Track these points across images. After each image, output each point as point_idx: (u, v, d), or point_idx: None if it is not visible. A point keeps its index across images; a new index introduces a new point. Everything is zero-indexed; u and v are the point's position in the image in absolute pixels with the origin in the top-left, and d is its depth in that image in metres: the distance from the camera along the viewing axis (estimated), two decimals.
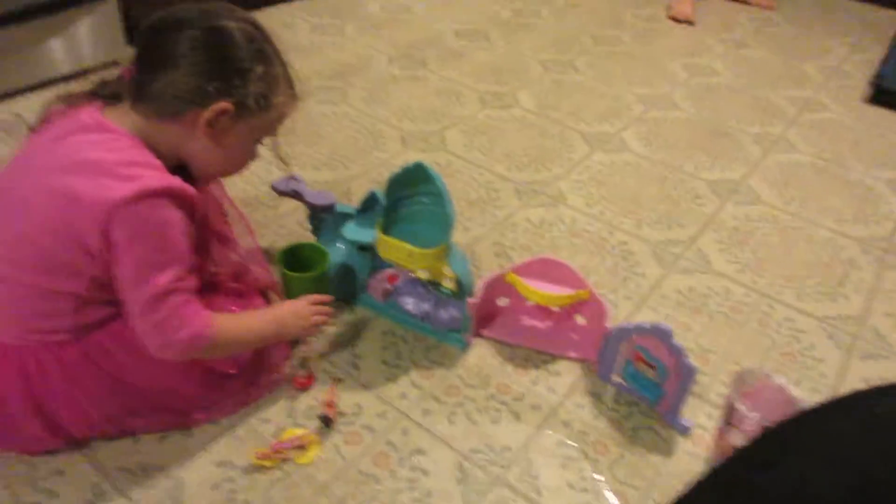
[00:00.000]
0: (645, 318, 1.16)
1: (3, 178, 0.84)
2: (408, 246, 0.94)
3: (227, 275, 0.98)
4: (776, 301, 1.23)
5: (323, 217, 1.14)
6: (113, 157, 0.77)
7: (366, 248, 1.10)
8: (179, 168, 0.85)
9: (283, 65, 0.87)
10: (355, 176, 1.45)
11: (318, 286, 1.01)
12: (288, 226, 1.29)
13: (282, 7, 2.18)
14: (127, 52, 0.79)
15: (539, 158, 1.57)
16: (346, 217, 1.09)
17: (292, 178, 1.14)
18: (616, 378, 1.03)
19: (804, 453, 0.37)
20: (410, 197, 1.00)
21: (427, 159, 1.48)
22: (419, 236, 0.97)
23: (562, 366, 1.07)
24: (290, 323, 0.93)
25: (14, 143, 1.43)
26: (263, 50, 0.83)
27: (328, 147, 1.53)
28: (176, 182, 0.79)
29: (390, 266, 1.12)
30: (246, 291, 1.00)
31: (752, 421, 0.85)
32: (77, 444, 0.88)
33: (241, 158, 0.91)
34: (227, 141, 0.84)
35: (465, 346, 1.07)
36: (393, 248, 0.96)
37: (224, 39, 0.80)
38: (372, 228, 1.04)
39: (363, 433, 0.94)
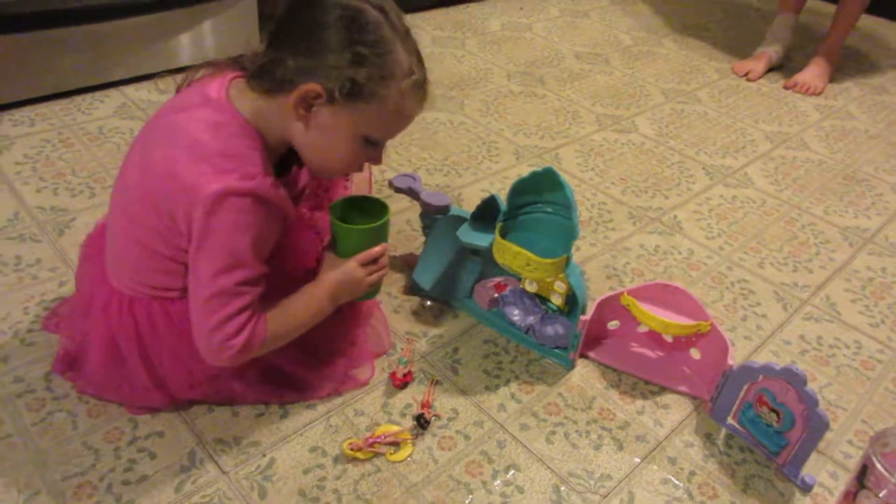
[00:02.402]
0: (765, 361, 1.08)
1: (137, 140, 0.86)
2: (528, 253, 0.91)
3: None
4: None
5: (435, 218, 1.13)
6: (217, 143, 0.76)
7: (477, 253, 1.08)
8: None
9: (408, 54, 0.78)
10: (467, 183, 1.44)
11: (374, 240, 0.88)
12: (397, 224, 1.29)
13: (406, 17, 2.22)
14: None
15: (656, 185, 1.51)
16: (459, 220, 1.08)
17: (410, 176, 1.14)
18: (731, 420, 0.95)
19: None
20: (533, 204, 0.98)
21: None
22: (537, 245, 0.94)
23: (671, 399, 1.00)
24: (344, 293, 0.88)
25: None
26: (380, 35, 0.76)
27: (442, 153, 1.52)
28: (262, 185, 0.75)
29: (498, 273, 1.09)
30: None
31: (894, 484, 0.76)
32: (179, 406, 0.90)
33: (346, 155, 0.82)
34: (321, 129, 0.78)
35: (570, 365, 1.02)
36: (511, 254, 0.94)
37: (322, 16, 0.75)
38: (486, 233, 1.02)
39: (458, 439, 0.91)
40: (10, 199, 1.23)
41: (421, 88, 0.80)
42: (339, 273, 0.87)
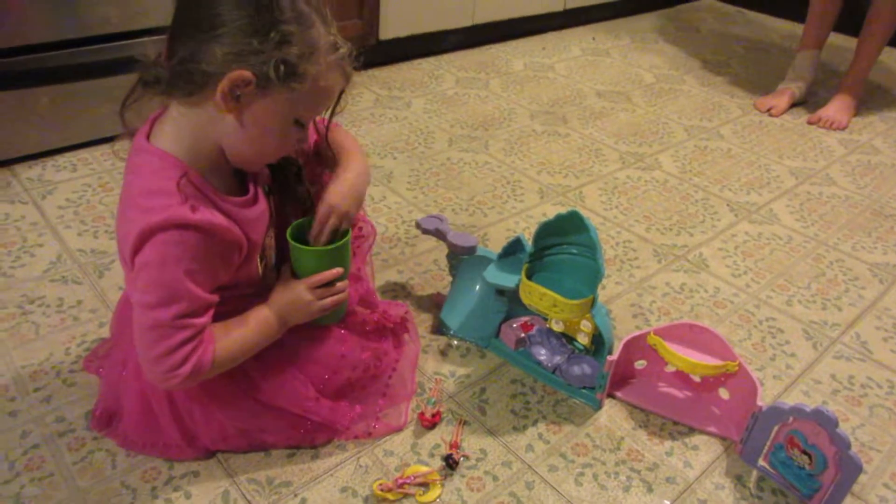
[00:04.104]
0: (795, 401, 1.07)
1: None
2: (554, 294, 0.93)
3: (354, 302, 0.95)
4: None
5: (462, 258, 1.15)
6: (138, 184, 0.75)
7: (503, 293, 1.09)
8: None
9: (326, 27, 0.74)
10: (492, 223, 1.46)
11: (330, 263, 0.86)
12: (424, 264, 1.31)
13: (431, 59, 2.28)
14: None
15: (681, 223, 1.52)
16: (485, 260, 1.10)
17: (437, 217, 1.16)
18: (762, 462, 0.95)
19: None
20: (558, 245, 0.99)
21: None
22: (562, 286, 0.96)
23: (700, 440, 1.00)
24: (293, 316, 0.86)
25: None
26: (299, 10, 0.72)
27: (467, 193, 1.55)
28: (178, 213, 0.72)
29: (525, 313, 1.11)
30: (374, 328, 0.98)
31: None
32: (211, 453, 0.92)
33: (280, 141, 0.78)
34: (255, 119, 0.74)
35: (598, 405, 1.03)
36: (537, 295, 0.95)
37: None
38: (512, 274, 1.03)
39: (486, 480, 0.91)
40: (53, 243, 1.28)
41: (345, 61, 0.77)
42: (287, 295, 0.85)
